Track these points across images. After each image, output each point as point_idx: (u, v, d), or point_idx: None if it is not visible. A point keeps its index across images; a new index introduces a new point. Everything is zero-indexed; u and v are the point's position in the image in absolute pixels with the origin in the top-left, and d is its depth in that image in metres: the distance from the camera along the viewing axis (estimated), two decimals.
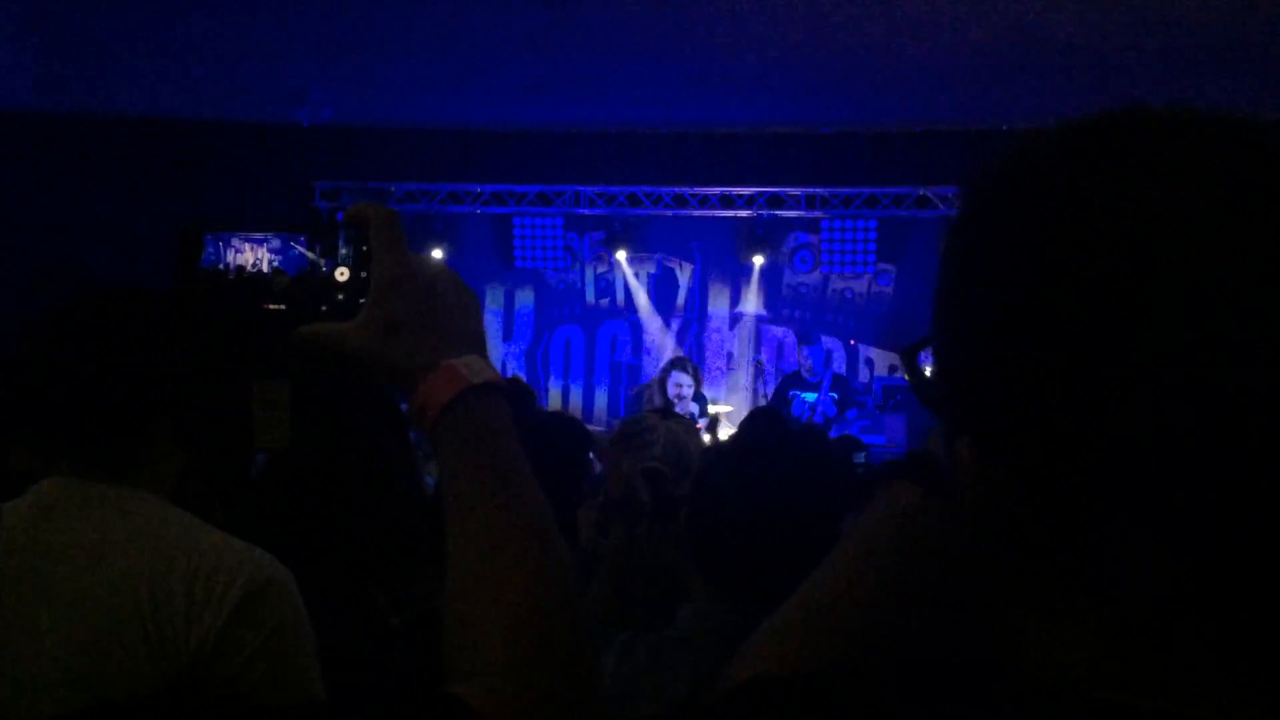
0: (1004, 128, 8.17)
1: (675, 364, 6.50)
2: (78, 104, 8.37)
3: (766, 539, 1.47)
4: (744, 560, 1.48)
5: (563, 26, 6.41)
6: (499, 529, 0.70)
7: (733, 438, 1.88)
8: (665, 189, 8.65)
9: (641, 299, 9.00)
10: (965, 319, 0.52)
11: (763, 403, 7.64)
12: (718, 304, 9.08)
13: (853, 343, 8.67)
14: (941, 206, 8.35)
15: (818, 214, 8.55)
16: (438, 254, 8.67)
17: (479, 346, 0.75)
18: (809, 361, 7.17)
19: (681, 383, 6.18)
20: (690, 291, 9.09)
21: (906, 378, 0.63)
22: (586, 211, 8.80)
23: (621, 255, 8.78)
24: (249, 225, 0.75)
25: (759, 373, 7.54)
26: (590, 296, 9.14)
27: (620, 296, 9.15)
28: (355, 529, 1.71)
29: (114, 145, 8.75)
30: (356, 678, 1.57)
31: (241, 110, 8.51)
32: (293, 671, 1.29)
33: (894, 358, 8.57)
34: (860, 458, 5.02)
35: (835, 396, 6.88)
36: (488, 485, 0.71)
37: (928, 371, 0.58)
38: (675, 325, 9.08)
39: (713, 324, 9.05)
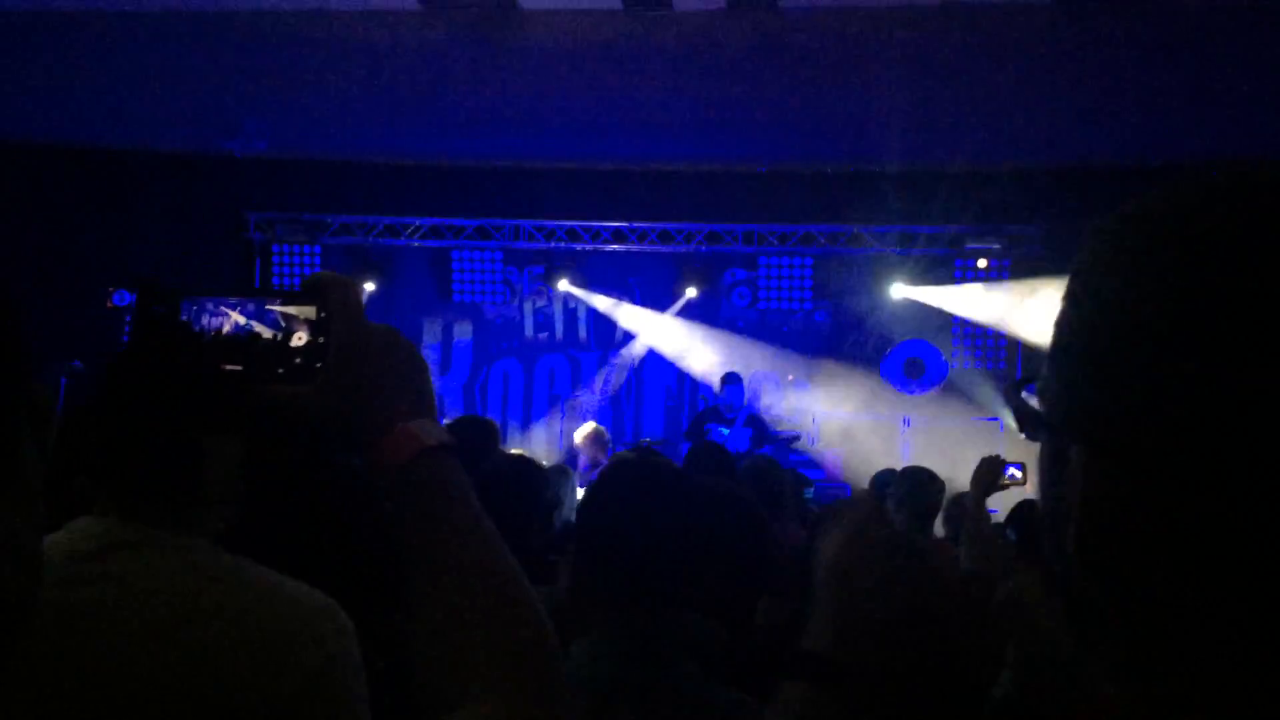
0: (937, 169, 8.38)
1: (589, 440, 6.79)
2: (6, 132, 8.17)
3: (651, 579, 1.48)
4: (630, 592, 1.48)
5: (501, 61, 6.43)
6: (471, 574, 0.74)
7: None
8: (604, 224, 8.69)
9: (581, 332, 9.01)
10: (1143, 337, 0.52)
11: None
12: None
13: (791, 378, 8.75)
14: (875, 244, 8.51)
15: (755, 250, 8.66)
16: (370, 286, 8.60)
17: (430, 410, 0.78)
18: (730, 400, 7.34)
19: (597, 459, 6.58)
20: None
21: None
22: (525, 246, 8.81)
23: (562, 285, 8.80)
24: (201, 290, 0.76)
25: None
26: (529, 330, 9.11)
27: (559, 330, 9.14)
28: (333, 571, 1.65)
29: (44, 174, 8.55)
30: None
31: (174, 140, 8.38)
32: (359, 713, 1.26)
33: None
34: (810, 493, 5.23)
35: (750, 433, 7.15)
36: (451, 536, 0.75)
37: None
38: (614, 359, 9.09)
39: (651, 358, 9.08)
